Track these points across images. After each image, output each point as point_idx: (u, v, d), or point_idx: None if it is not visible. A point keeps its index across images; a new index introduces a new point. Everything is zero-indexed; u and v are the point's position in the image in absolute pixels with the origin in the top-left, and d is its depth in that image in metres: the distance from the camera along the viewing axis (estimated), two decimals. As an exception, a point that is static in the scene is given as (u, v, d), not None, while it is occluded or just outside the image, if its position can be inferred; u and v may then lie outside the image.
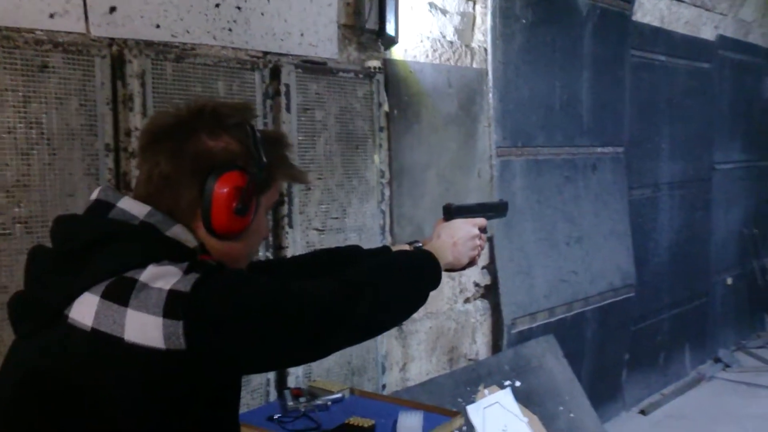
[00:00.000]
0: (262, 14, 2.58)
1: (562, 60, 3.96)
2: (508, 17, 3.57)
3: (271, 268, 1.50)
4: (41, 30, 2.01)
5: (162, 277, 0.99)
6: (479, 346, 3.59)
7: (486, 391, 3.04)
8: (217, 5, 2.43)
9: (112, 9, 2.15)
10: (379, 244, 2.94)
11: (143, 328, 0.95)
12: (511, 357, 3.32)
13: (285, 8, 2.64)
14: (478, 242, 1.48)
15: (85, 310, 0.99)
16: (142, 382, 0.96)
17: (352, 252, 1.56)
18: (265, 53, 2.58)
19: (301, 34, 2.71)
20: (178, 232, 1.08)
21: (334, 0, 2.81)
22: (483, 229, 1.52)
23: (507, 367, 3.23)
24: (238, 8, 2.49)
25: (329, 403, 1.95)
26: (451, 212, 1.51)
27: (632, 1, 4.44)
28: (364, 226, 2.88)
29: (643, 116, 4.78)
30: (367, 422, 1.79)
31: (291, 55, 2.66)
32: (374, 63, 2.93)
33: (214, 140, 1.10)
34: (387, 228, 3.01)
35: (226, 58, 2.43)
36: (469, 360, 3.53)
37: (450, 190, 3.31)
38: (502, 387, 3.13)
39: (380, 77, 2.92)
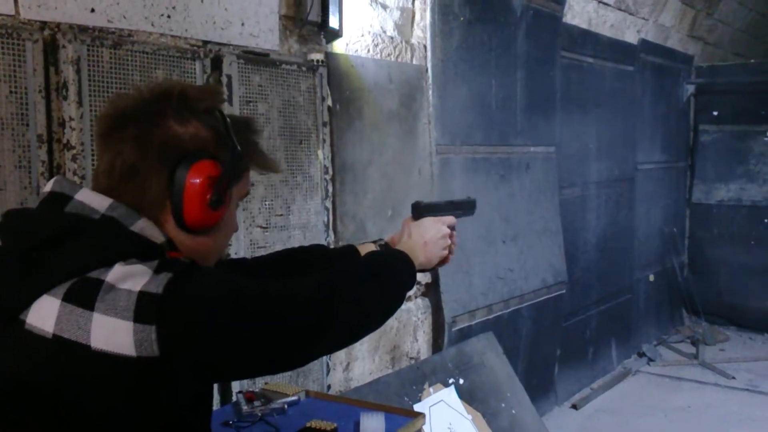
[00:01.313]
0: (202, 1, 2.47)
1: (498, 59, 3.99)
2: (446, 14, 3.56)
3: (238, 267, 1.41)
4: (-35, 9, 1.86)
5: (130, 277, 0.89)
6: (420, 344, 3.56)
7: (431, 389, 3.02)
8: (156, -10, 2.31)
9: (44, -10, 2.01)
10: (323, 242, 2.87)
11: (112, 333, 0.86)
12: (454, 355, 3.31)
13: (226, -4, 2.54)
14: (448, 241, 1.44)
15: (44, 314, 0.88)
16: (111, 392, 0.87)
17: (319, 252, 1.50)
18: (205, 42, 2.47)
19: (242, 24, 2.61)
20: (143, 226, 0.98)
21: (276, -10, 2.73)
22: (452, 228, 1.48)
23: (450, 365, 3.22)
24: (178, -6, 2.38)
25: (286, 406, 1.87)
26: (420, 210, 1.46)
27: (563, 2, 4.52)
28: (308, 224, 2.81)
29: (573, 116, 4.88)
30: (329, 425, 1.72)
31: (232, 45, 2.57)
32: (317, 56, 2.87)
33: (182, 126, 1.00)
34: (330, 226, 2.94)
35: (166, 46, 2.31)
36: (411, 359, 3.50)
37: (392, 187, 3.27)
38: (447, 385, 3.12)
39: (323, 71, 2.85)
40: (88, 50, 2.07)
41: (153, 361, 0.86)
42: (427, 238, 1.38)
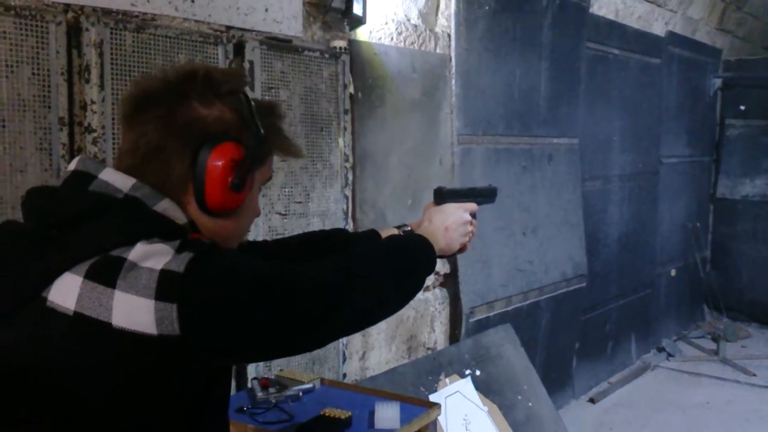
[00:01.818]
0: (226, -13, 2.46)
1: (522, 49, 3.94)
2: (471, 3, 3.52)
3: (259, 250, 1.40)
4: (-10, -9, 1.86)
5: (152, 256, 0.89)
6: (437, 335, 3.55)
7: (447, 380, 3.01)
8: (180, -25, 2.30)
9: (68, -28, 2.01)
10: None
11: (133, 311, 0.86)
12: (471, 346, 3.29)
13: (249, -18, 2.53)
14: (469, 228, 1.42)
15: (66, 292, 0.88)
16: (130, 370, 0.87)
17: (340, 236, 1.49)
18: (228, 27, 2.47)
19: (266, 10, 2.60)
20: (166, 207, 0.98)
21: (300, -24, 2.71)
22: (473, 215, 1.46)
23: (467, 356, 3.21)
24: (201, -21, 2.37)
25: (300, 393, 1.87)
26: (442, 196, 1.45)
27: (590, -7, 4.46)
28: (327, 211, 2.80)
29: (597, 108, 4.82)
30: (343, 414, 1.72)
31: (255, 30, 2.56)
32: (340, 43, 2.85)
33: (207, 108, 1.00)
34: (349, 213, 2.94)
35: (189, 30, 2.31)
36: (428, 349, 3.49)
37: (412, 176, 3.25)
38: (463, 376, 3.11)
39: (346, 58, 2.84)
40: (111, 33, 2.06)
41: (173, 340, 0.86)
42: (448, 223, 1.37)
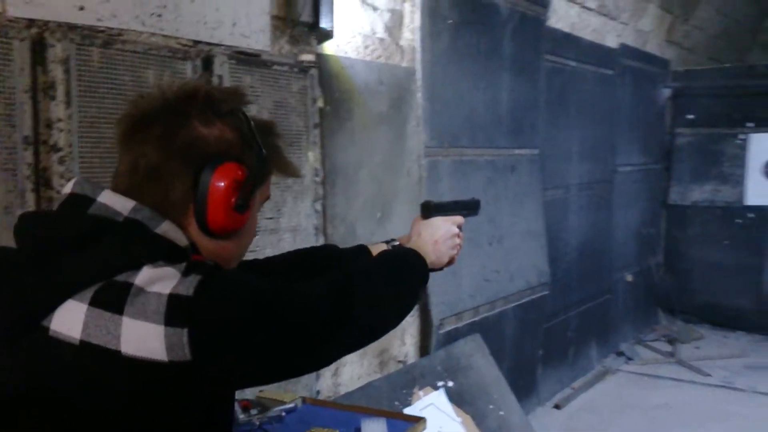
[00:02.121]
0: (193, 1, 2.42)
1: (485, 62, 3.98)
2: (435, 16, 3.55)
3: (252, 269, 1.37)
4: (-48, 6, 1.79)
5: (159, 280, 0.86)
6: (408, 347, 3.55)
7: (421, 392, 3.00)
8: (146, -11, 2.25)
9: (33, -13, 1.94)
10: (313, 245, 2.84)
11: (142, 338, 0.83)
12: (443, 357, 3.29)
13: (216, -5, 2.49)
14: (457, 241, 1.42)
15: (70, 320, 0.85)
16: (140, 398, 0.84)
17: (331, 252, 1.47)
18: (196, 42, 2.42)
19: (233, 24, 2.57)
20: (167, 229, 0.95)
21: (267, -10, 2.69)
22: (460, 227, 1.47)
23: (439, 368, 3.20)
24: (168, -7, 2.33)
25: (283, 414, 1.84)
26: (430, 209, 1.45)
27: (547, 6, 4.54)
28: (298, 227, 2.77)
29: (556, 119, 4.90)
30: (330, 433, 1.70)
31: (223, 45, 2.52)
32: (308, 57, 2.83)
33: (207, 128, 0.98)
34: (321, 228, 2.91)
35: (157, 45, 2.26)
36: (399, 362, 3.48)
37: (381, 189, 3.24)
38: (436, 388, 3.10)
39: (315, 72, 2.82)
40: (77, 49, 2.00)
41: (184, 366, 0.83)
42: (437, 237, 1.37)
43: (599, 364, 5.76)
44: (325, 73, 2.91)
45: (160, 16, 2.29)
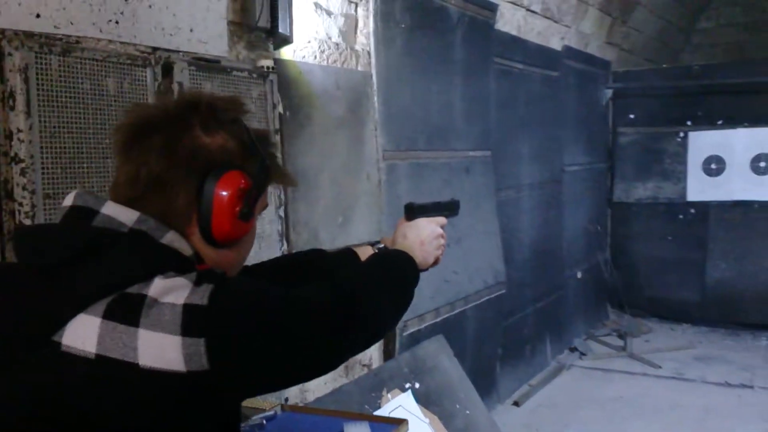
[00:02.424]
0: (150, 7, 2.38)
1: (437, 65, 4.03)
2: (388, 21, 3.57)
3: (245, 275, 1.37)
4: None
5: (172, 291, 0.86)
6: (372, 351, 3.55)
7: (389, 395, 3.01)
8: (103, -5, 2.21)
9: (-13, -6, 1.89)
10: (278, 252, 2.82)
11: (160, 349, 0.82)
12: (409, 359, 3.31)
13: (173, 1, 2.46)
14: (442, 241, 1.45)
15: (84, 334, 0.83)
16: (158, 409, 0.83)
17: (319, 256, 1.48)
18: (155, 49, 2.39)
19: (191, 30, 2.54)
20: (172, 239, 0.94)
21: (223, -5, 2.67)
22: (443, 228, 1.49)
23: (406, 370, 3.22)
24: (125, -1, 2.29)
25: (264, 421, 1.82)
26: (414, 211, 1.47)
27: (495, 10, 4.62)
28: (262, 233, 2.75)
29: (506, 121, 4.99)
30: (315, 438, 1.69)
31: (181, 51, 2.49)
32: (266, 62, 2.81)
33: (210, 137, 0.98)
34: (284, 234, 2.89)
35: (116, 53, 2.22)
36: (363, 366, 3.48)
37: (342, 194, 3.25)
38: (404, 390, 3.11)
39: (274, 77, 2.80)
40: (36, 58, 1.95)
41: (201, 375, 0.83)
42: (422, 237, 1.39)
43: (554, 361, 5.87)
44: (283, 78, 2.90)
45: (117, 23, 2.25)
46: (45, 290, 0.86)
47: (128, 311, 0.84)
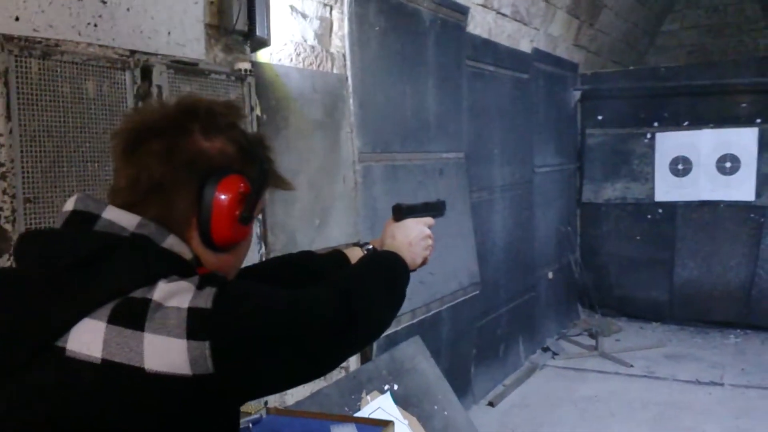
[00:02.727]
0: (128, 10, 2.37)
1: (411, 67, 4.06)
2: (363, 23, 3.59)
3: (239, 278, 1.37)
4: None
5: (176, 294, 0.86)
6: (350, 353, 3.55)
7: (368, 397, 3.02)
8: (81, -2, 2.19)
9: (-36, -4, 1.86)
10: (257, 255, 2.82)
11: (165, 353, 0.82)
12: (387, 361, 3.32)
13: (151, 4, 2.45)
14: (429, 242, 1.47)
15: (88, 339, 0.83)
16: (163, 413, 0.84)
17: (310, 258, 1.48)
18: (133, 52, 2.37)
19: (169, 33, 2.53)
20: (173, 243, 0.95)
21: (200, -2, 2.66)
22: (430, 228, 1.51)
23: (384, 372, 3.23)
24: (103, 2, 2.27)
25: (250, 425, 1.82)
26: (402, 212, 1.48)
27: (466, 13, 4.66)
28: (242, 237, 2.74)
29: (478, 123, 5.04)
30: (303, 440, 1.69)
31: (159, 54, 2.47)
32: (244, 65, 2.81)
33: (209, 141, 0.99)
34: (262, 237, 2.89)
35: (95, 56, 2.20)
36: (341, 368, 3.48)
37: (319, 196, 3.25)
38: (383, 392, 3.13)
39: (251, 80, 2.80)
40: (16, 61, 1.93)
41: (207, 379, 0.84)
42: (411, 238, 1.42)
43: (527, 361, 5.93)
44: (260, 81, 2.90)
45: (96, 26, 2.24)
46: (48, 295, 0.86)
47: (133, 315, 0.84)
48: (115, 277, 0.87)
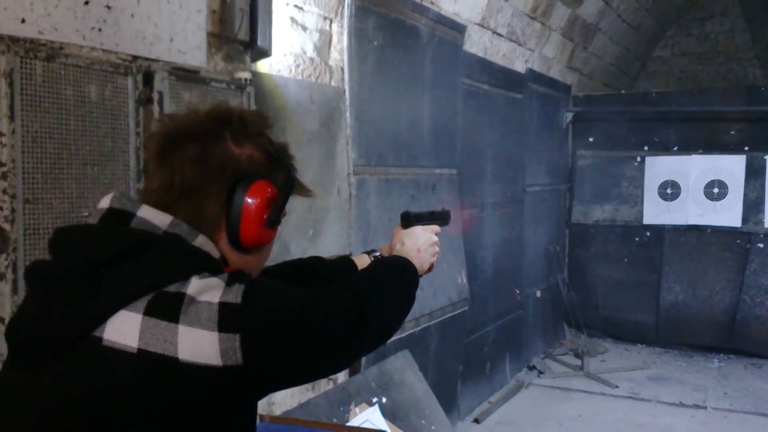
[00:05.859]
0: (132, 16, 2.39)
1: (407, 83, 4.10)
2: (361, 38, 3.63)
3: None
4: None
5: (208, 290, 0.92)
6: (339, 365, 3.56)
7: (357, 409, 3.03)
8: (86, 2, 2.21)
9: (-27, -4, 1.88)
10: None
11: (198, 345, 0.88)
12: (376, 374, 3.33)
13: (155, 11, 2.47)
14: (437, 249, 1.52)
15: (125, 330, 0.88)
16: (195, 402, 0.89)
17: (320, 263, 1.53)
18: (135, 57, 2.39)
19: (171, 40, 2.55)
20: (203, 242, 1.01)
21: (203, 6, 2.69)
22: (437, 236, 1.56)
23: (373, 384, 3.24)
24: (108, 7, 2.29)
25: None
26: (410, 219, 1.54)
27: (463, 32, 4.72)
28: (236, 244, 2.75)
29: (471, 140, 5.08)
30: (297, 447, 1.70)
31: (161, 60, 2.49)
32: (243, 75, 2.84)
33: (239, 148, 1.04)
34: (257, 246, 2.90)
35: (99, 60, 2.22)
36: (329, 380, 3.48)
37: (313, 207, 3.27)
38: (371, 404, 3.14)
39: (251, 90, 2.83)
40: (21, 62, 1.95)
41: (236, 370, 0.89)
42: (419, 245, 1.47)
43: (513, 378, 5.96)
44: (259, 91, 2.93)
45: (100, 30, 2.26)
46: (86, 287, 0.90)
47: (169, 308, 0.89)
48: (151, 272, 0.92)
